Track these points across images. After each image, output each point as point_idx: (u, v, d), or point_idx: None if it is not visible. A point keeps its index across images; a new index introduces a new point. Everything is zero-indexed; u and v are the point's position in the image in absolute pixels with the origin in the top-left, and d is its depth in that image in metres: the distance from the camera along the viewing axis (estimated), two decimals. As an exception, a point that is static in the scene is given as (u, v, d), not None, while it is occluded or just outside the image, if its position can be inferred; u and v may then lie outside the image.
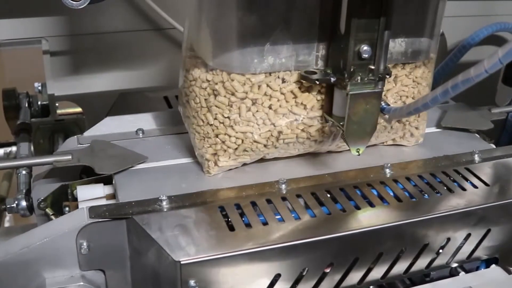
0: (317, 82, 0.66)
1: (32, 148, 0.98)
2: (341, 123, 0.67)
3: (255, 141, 0.69)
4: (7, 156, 1.20)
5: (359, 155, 0.69)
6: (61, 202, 0.75)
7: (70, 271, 0.66)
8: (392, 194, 0.70)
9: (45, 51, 1.03)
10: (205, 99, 0.68)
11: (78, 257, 0.65)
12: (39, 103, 1.06)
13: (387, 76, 0.67)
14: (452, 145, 0.82)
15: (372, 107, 0.66)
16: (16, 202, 0.81)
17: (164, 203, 0.66)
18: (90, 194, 0.72)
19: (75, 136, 0.82)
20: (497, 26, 1.17)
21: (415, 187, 0.72)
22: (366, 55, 0.63)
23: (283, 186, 0.70)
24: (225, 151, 0.70)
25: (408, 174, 0.74)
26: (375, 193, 0.70)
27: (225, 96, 0.67)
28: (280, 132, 0.70)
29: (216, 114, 0.68)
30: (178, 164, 0.76)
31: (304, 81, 0.67)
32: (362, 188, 0.71)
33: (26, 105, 1.03)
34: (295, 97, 0.69)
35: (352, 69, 0.64)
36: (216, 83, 0.67)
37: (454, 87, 0.56)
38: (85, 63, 1.07)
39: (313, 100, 0.69)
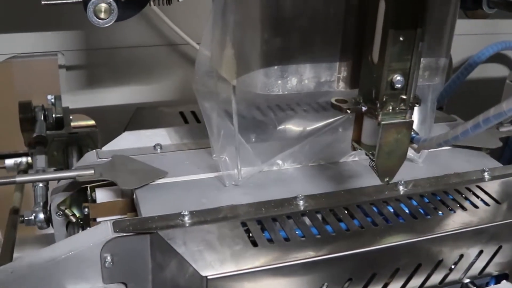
0: (349, 111, 0.67)
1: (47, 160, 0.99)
2: (371, 152, 0.68)
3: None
4: (17, 167, 1.22)
5: (388, 184, 0.71)
6: (79, 203, 0.78)
7: (92, 284, 0.67)
8: (407, 211, 0.72)
9: (61, 65, 1.05)
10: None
11: (102, 270, 0.67)
12: (53, 116, 1.07)
13: (417, 105, 0.68)
14: (462, 163, 0.84)
15: (403, 136, 0.67)
16: (34, 214, 0.83)
17: (186, 218, 0.67)
18: (108, 196, 0.75)
19: (94, 151, 0.83)
20: (502, 45, 1.20)
21: (428, 204, 0.74)
22: (399, 85, 0.64)
23: (301, 202, 0.72)
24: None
25: (421, 191, 0.76)
26: (391, 210, 0.72)
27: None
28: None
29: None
30: (197, 179, 0.77)
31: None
32: (378, 205, 0.73)
33: (42, 117, 1.04)
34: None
35: (384, 99, 0.65)
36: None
37: (485, 121, 0.56)
38: (99, 77, 1.09)
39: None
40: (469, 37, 1.25)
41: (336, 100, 0.69)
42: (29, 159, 1.19)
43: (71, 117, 1.08)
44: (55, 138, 1.05)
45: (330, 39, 0.67)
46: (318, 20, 0.66)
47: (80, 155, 1.05)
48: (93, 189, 0.76)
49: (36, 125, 1.03)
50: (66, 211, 0.79)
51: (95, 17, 0.69)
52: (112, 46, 1.06)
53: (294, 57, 0.67)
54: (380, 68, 0.64)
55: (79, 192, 0.78)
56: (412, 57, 0.64)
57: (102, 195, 0.76)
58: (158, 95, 1.13)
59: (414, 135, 0.69)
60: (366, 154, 0.70)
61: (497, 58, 1.30)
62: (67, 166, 1.04)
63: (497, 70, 1.34)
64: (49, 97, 1.12)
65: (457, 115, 1.01)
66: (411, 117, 0.67)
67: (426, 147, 0.70)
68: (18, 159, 1.21)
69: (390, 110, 0.66)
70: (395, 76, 0.64)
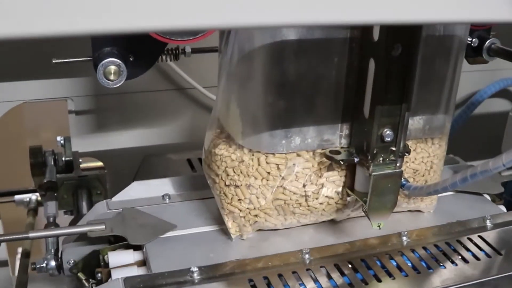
0: (342, 163, 0.70)
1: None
2: (363, 199, 0.71)
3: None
4: (27, 205, 1.24)
5: (379, 229, 0.73)
6: (92, 266, 0.79)
7: None
8: (410, 264, 0.74)
9: (70, 110, 1.07)
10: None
11: (114, 326, 0.68)
12: (63, 159, 1.09)
13: (406, 154, 0.71)
14: (465, 209, 0.86)
15: (393, 185, 0.70)
16: (45, 262, 0.85)
17: (195, 274, 0.69)
18: (121, 260, 0.76)
19: (104, 201, 0.85)
20: (504, 83, 1.22)
21: (431, 257, 0.75)
22: (389, 139, 0.67)
23: (307, 256, 0.73)
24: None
25: (424, 243, 0.77)
26: (394, 263, 0.74)
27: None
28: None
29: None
30: (204, 232, 0.79)
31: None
32: (382, 259, 0.74)
33: (52, 162, 1.06)
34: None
35: (375, 151, 0.67)
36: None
37: (472, 176, 0.60)
38: (108, 121, 1.11)
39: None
40: (471, 74, 1.26)
41: (330, 152, 0.71)
42: (38, 195, 1.22)
43: (80, 160, 1.10)
44: (65, 182, 1.07)
45: (333, 101, 0.69)
46: (321, 83, 0.68)
47: (90, 198, 1.07)
48: (105, 252, 0.76)
49: (46, 169, 1.05)
50: (79, 275, 0.79)
51: (104, 79, 0.71)
52: (121, 91, 1.07)
53: (298, 119, 0.69)
54: (371, 123, 0.67)
55: (92, 254, 0.79)
56: (401, 112, 0.67)
57: (115, 259, 0.76)
58: (166, 139, 1.15)
59: (404, 182, 0.73)
60: (360, 201, 0.72)
61: (500, 92, 1.32)
62: (77, 209, 1.06)
63: (499, 105, 1.36)
64: (58, 138, 1.15)
65: (460, 150, 1.03)
66: (401, 166, 0.70)
67: (416, 194, 0.74)
68: (27, 196, 1.24)
69: (381, 161, 0.69)
70: (385, 130, 0.67)
